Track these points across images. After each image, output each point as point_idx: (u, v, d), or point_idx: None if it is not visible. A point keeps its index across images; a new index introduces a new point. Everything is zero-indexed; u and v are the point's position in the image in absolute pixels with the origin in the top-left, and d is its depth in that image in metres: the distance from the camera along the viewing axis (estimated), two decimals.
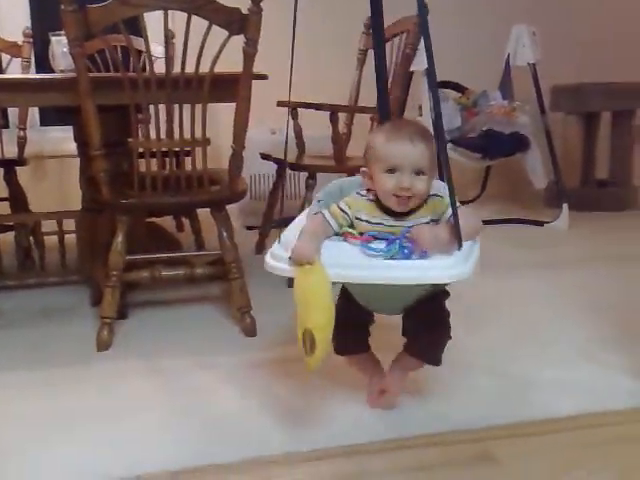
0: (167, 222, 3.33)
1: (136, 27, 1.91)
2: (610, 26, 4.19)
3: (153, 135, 2.03)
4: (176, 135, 2.02)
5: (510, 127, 3.53)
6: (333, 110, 2.64)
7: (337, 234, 1.39)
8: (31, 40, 3.17)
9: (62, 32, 1.98)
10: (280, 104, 2.83)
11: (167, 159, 2.06)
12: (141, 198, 2.06)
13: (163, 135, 2.02)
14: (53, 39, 2.44)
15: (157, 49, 2.35)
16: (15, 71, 3.12)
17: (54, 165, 3.64)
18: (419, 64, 3.40)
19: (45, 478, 1.36)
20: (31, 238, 2.67)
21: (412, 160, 1.33)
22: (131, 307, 2.28)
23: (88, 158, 2.08)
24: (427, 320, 1.46)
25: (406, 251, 1.27)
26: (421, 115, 3.65)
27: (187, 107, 1.99)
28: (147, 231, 2.56)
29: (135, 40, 2.08)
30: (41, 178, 3.64)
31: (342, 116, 2.83)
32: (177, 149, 2.06)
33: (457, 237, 1.29)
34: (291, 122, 2.87)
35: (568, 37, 4.12)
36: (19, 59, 3.14)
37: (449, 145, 3.50)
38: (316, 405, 1.62)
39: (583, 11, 4.19)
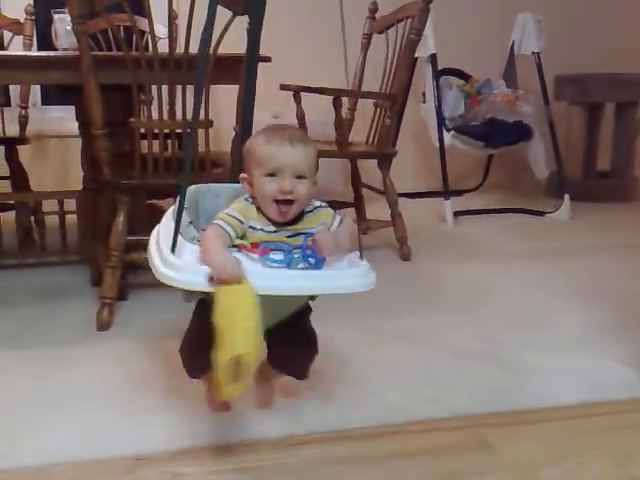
0: (168, 205, 3.33)
1: (140, 7, 1.90)
2: (615, 17, 4.17)
3: (155, 116, 2.02)
4: (178, 116, 2.01)
5: (513, 116, 3.52)
6: (336, 95, 2.63)
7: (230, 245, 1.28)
8: (33, 18, 3.15)
9: (65, 10, 1.97)
10: (283, 87, 2.82)
11: (169, 140, 2.06)
12: (142, 179, 2.05)
13: (165, 116, 2.02)
14: (56, 17, 2.42)
15: (161, 29, 2.34)
16: (17, 49, 3.09)
17: (55, 144, 3.63)
18: (424, 50, 3.40)
19: (43, 456, 1.37)
20: (32, 217, 2.67)
21: (293, 163, 1.28)
22: (131, 288, 2.28)
23: (90, 138, 2.08)
24: (297, 336, 1.38)
25: (311, 259, 1.23)
26: (424, 102, 3.65)
27: (190, 88, 1.98)
28: (148, 213, 2.55)
29: (139, 20, 2.06)
30: (42, 157, 3.63)
31: (345, 101, 2.82)
32: (179, 130, 2.06)
33: (359, 245, 1.29)
34: (294, 106, 2.86)
35: (573, 27, 4.10)
36: (21, 37, 3.12)
37: (452, 133, 3.50)
38: (313, 389, 1.62)
39: (588, 1, 4.17)
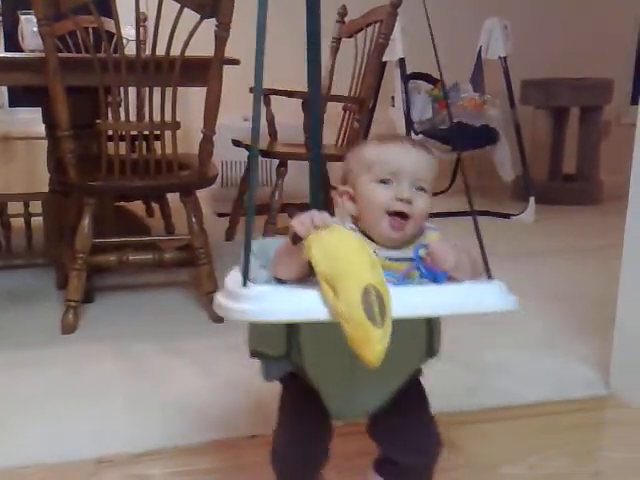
0: (138, 207, 3.31)
1: (107, 8, 1.89)
2: (580, 22, 4.25)
3: (122, 117, 2.01)
4: (146, 118, 2.01)
5: (480, 120, 3.57)
6: (305, 98, 2.64)
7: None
8: (0, 19, 3.11)
9: (32, 11, 1.95)
10: (252, 90, 2.82)
11: (136, 142, 2.05)
12: (109, 181, 2.04)
13: (133, 118, 2.01)
14: (23, 18, 2.40)
15: (128, 31, 2.33)
16: None
17: (22, 146, 3.59)
18: (392, 54, 3.43)
19: (9, 459, 1.36)
20: None
21: (413, 167, 1.00)
22: (98, 291, 2.27)
23: (56, 139, 2.06)
24: (416, 413, 1.14)
25: (435, 276, 0.95)
26: (393, 105, 3.68)
27: (157, 90, 1.98)
28: (116, 215, 2.54)
29: (106, 22, 2.05)
30: (9, 159, 3.59)
31: None
32: (146, 132, 2.05)
33: (485, 263, 1.03)
34: (263, 109, 2.86)
35: (539, 32, 4.17)
36: None
37: (420, 136, 3.53)
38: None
39: (555, 6, 4.24)
